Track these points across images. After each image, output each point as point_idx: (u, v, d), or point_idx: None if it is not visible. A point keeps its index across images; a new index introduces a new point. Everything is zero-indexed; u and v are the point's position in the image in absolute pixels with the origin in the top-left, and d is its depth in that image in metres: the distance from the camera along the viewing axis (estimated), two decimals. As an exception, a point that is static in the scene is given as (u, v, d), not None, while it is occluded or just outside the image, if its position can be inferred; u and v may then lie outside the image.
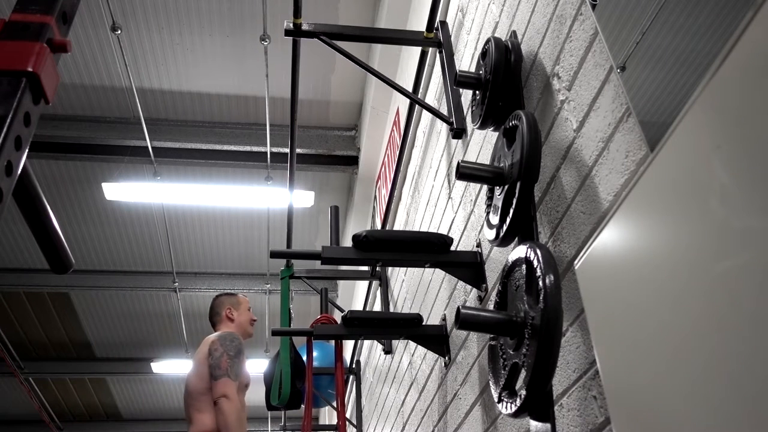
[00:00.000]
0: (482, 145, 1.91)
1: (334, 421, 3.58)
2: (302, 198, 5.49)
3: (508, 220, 1.40)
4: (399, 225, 3.36)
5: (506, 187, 1.43)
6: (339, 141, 5.15)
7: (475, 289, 1.90)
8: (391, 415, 3.27)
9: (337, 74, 4.75)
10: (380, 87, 4.10)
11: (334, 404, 3.77)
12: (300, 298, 6.56)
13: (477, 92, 1.78)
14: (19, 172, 0.75)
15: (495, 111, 1.61)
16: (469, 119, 2.08)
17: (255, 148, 4.98)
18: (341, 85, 4.83)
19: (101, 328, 7.52)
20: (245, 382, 2.80)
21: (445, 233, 2.26)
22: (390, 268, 3.63)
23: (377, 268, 3.76)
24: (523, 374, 1.21)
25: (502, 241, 1.46)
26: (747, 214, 0.68)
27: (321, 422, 7.52)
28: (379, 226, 3.97)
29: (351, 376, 4.66)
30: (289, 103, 2.76)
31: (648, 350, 0.85)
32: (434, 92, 2.66)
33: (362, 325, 2.19)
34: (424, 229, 2.67)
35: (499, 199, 1.47)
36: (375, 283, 3.95)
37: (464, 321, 1.32)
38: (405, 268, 3.08)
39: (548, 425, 1.27)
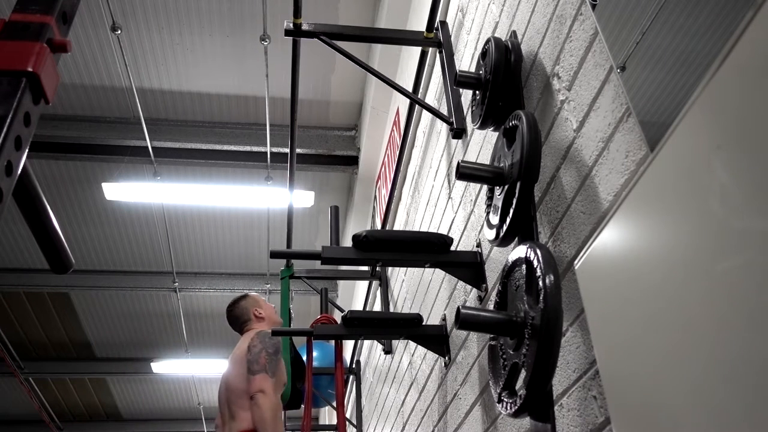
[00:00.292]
0: (482, 145, 1.91)
1: (334, 421, 3.58)
2: (302, 198, 5.49)
3: (508, 220, 1.40)
4: (399, 225, 3.36)
5: (506, 187, 1.43)
6: (339, 141, 5.15)
7: (475, 289, 1.90)
8: (391, 415, 3.27)
9: (337, 74, 4.75)
10: (380, 87, 4.10)
11: (334, 404, 3.77)
12: (300, 298, 6.55)
13: (477, 92, 1.78)
14: (19, 172, 0.75)
15: (495, 111, 1.61)
16: (469, 119, 2.08)
17: (255, 148, 4.98)
18: (341, 85, 4.83)
19: (101, 328, 7.52)
20: (282, 381, 2.79)
21: (445, 233, 2.26)
22: (390, 268, 3.63)
23: (377, 268, 3.76)
24: (523, 374, 1.21)
25: (502, 241, 1.46)
26: (747, 214, 0.68)
27: (321, 422, 7.52)
28: (379, 226, 3.97)
29: (351, 376, 4.66)
30: (289, 103, 2.76)
31: (648, 350, 0.85)
32: (434, 92, 2.66)
33: (362, 325, 2.19)
34: (424, 229, 2.67)
35: (499, 199, 1.47)
36: (375, 283, 3.95)
37: (464, 321, 1.32)
38: (405, 268, 3.08)
39: (548, 425, 1.27)
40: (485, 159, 1.84)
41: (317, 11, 4.16)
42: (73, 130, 4.86)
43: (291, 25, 2.27)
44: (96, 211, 5.82)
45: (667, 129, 0.83)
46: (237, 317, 2.98)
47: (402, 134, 3.07)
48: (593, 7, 1.24)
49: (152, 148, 4.80)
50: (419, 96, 2.74)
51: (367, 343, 4.43)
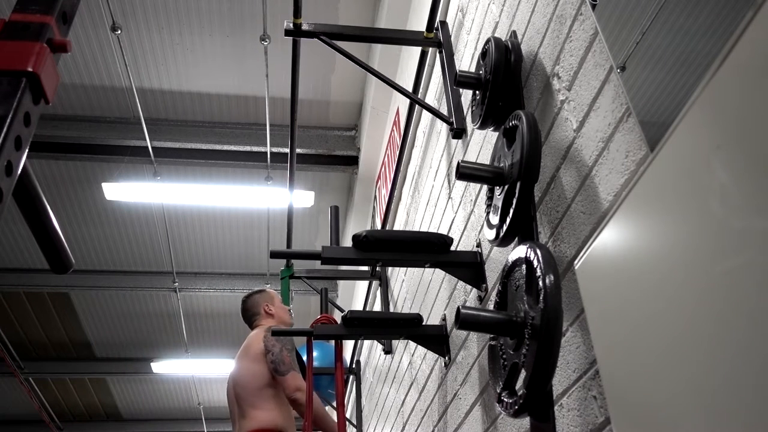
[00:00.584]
0: (482, 145, 1.91)
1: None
2: (302, 198, 5.49)
3: (508, 220, 1.40)
4: (399, 225, 3.36)
5: (506, 187, 1.43)
6: (339, 141, 5.15)
7: (475, 289, 1.90)
8: (391, 415, 3.27)
9: (337, 74, 4.75)
10: (380, 87, 4.10)
11: (334, 404, 3.77)
12: (300, 298, 6.56)
13: (477, 92, 1.78)
14: (19, 172, 0.75)
15: (495, 111, 1.61)
16: (469, 119, 2.08)
17: (255, 148, 4.98)
18: (341, 85, 4.83)
19: (101, 328, 7.51)
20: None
21: (445, 233, 2.26)
22: (390, 268, 3.63)
23: (377, 268, 3.76)
24: (523, 374, 1.21)
25: (502, 241, 1.46)
26: (746, 214, 0.68)
27: (321, 422, 7.51)
28: (379, 226, 3.97)
29: (351, 376, 4.66)
30: (289, 103, 2.76)
31: (648, 350, 0.85)
32: (434, 92, 2.66)
33: (362, 325, 2.19)
34: (424, 229, 2.67)
35: (499, 199, 1.47)
36: (375, 283, 3.95)
37: (464, 321, 1.32)
38: (405, 268, 3.08)
39: (548, 425, 1.27)
40: (485, 159, 1.84)
41: (317, 11, 4.16)
42: (73, 130, 4.86)
43: (291, 25, 2.27)
44: (96, 211, 5.82)
45: (667, 129, 0.83)
46: (247, 309, 3.01)
47: (402, 134, 3.07)
48: (593, 7, 1.24)
49: (152, 148, 4.80)
50: (419, 96, 2.74)
51: (367, 343, 4.43)
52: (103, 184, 5.28)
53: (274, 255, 2.22)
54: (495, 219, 1.48)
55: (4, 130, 0.70)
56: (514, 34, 1.66)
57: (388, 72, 2.95)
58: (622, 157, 1.09)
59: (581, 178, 1.25)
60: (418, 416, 2.58)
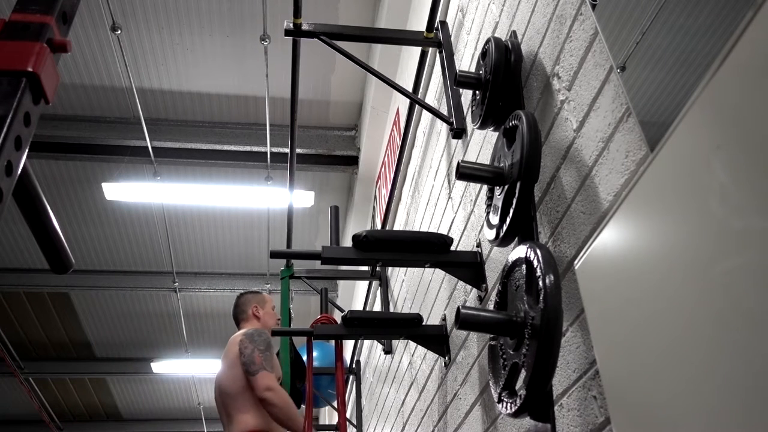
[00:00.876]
0: (482, 145, 1.91)
1: (334, 421, 3.58)
2: (302, 198, 5.49)
3: (508, 220, 1.40)
4: (399, 225, 3.36)
5: (506, 187, 1.43)
6: (339, 141, 5.15)
7: (475, 289, 1.90)
8: (391, 415, 3.27)
9: (337, 74, 4.75)
10: (380, 87, 4.10)
11: (335, 404, 3.77)
12: (300, 298, 6.55)
13: (477, 92, 1.78)
14: (19, 172, 0.75)
15: (495, 111, 1.61)
16: (469, 119, 2.08)
17: (255, 148, 4.98)
18: (341, 85, 4.83)
19: (101, 328, 7.52)
20: (279, 374, 2.79)
21: (445, 233, 2.25)
22: (390, 268, 3.63)
23: (377, 268, 3.76)
24: (523, 374, 1.21)
25: (502, 241, 1.46)
26: (746, 214, 0.68)
27: (321, 422, 7.52)
28: (379, 226, 3.97)
29: (351, 376, 4.66)
30: (289, 103, 2.76)
31: (648, 350, 0.85)
32: (434, 92, 2.66)
33: (362, 325, 2.19)
34: (424, 229, 2.67)
35: (499, 199, 1.47)
36: (375, 283, 3.95)
37: (464, 321, 1.32)
38: (405, 268, 3.08)
39: (548, 425, 1.27)
40: (485, 159, 1.84)
41: (317, 11, 4.16)
42: (73, 130, 4.86)
43: (291, 25, 2.27)
44: (96, 211, 5.82)
45: (667, 129, 0.83)
46: (238, 306, 3.00)
47: (402, 134, 3.07)
48: (593, 7, 1.24)
49: (152, 148, 4.80)
50: (419, 96, 2.74)
51: (367, 343, 4.43)
52: (103, 184, 5.28)
53: (274, 255, 2.22)
54: (495, 219, 1.48)
55: (4, 130, 0.70)
56: (514, 34, 1.66)
57: (388, 72, 2.95)
58: (622, 157, 1.09)
59: (581, 178, 1.25)
60: (418, 416, 2.58)
